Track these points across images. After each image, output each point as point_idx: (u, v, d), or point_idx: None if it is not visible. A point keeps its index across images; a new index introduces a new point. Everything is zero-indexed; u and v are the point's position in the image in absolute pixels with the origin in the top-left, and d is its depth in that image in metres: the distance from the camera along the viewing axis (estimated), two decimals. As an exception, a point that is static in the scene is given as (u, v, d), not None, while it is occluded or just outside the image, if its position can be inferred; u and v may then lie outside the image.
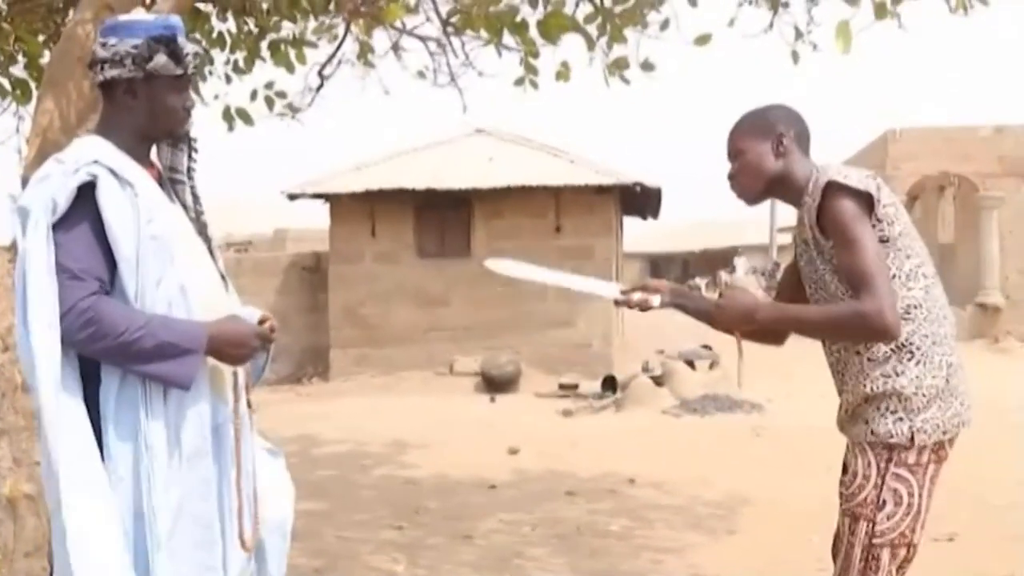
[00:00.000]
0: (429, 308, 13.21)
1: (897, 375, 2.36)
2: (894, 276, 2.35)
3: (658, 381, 11.25)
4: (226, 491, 2.19)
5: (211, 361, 2.15)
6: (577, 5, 5.71)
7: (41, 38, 6.55)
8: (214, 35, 7.25)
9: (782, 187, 2.47)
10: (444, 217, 13.08)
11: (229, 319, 2.18)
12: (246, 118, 6.80)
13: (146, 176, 2.18)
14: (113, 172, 2.08)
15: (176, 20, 2.22)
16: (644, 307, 2.52)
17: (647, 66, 5.87)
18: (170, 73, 2.15)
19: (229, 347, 2.14)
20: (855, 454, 2.41)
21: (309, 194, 13.02)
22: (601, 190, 13.06)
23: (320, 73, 7.19)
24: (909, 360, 2.36)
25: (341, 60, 7.27)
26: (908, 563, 2.40)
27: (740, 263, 33.49)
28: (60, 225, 2.02)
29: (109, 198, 2.05)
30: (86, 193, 2.04)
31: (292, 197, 13.10)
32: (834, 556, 2.51)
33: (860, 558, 2.37)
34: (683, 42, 5.74)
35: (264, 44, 7.19)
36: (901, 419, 2.36)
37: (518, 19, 5.59)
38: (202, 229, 2.29)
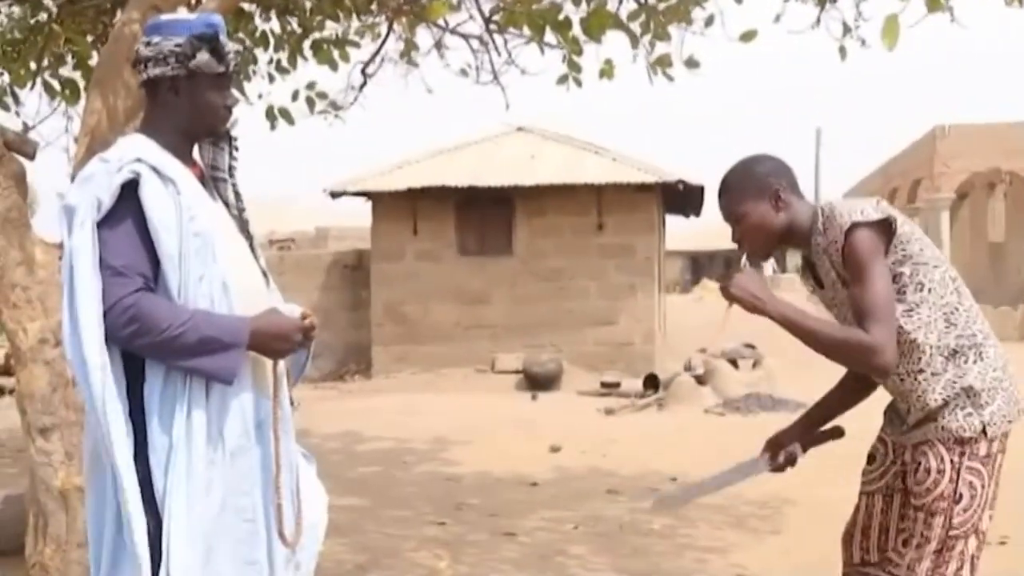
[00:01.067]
0: (470, 306, 13.24)
1: (962, 376, 2.44)
2: (927, 288, 2.43)
3: (700, 380, 11.17)
4: (269, 487, 2.21)
5: (253, 355, 2.16)
6: (621, 2, 5.69)
7: (90, 39, 6.66)
8: (257, 34, 7.35)
9: (789, 237, 2.51)
10: (485, 215, 13.10)
11: (270, 313, 2.19)
12: (288, 117, 6.86)
13: (188, 174, 2.20)
14: (155, 170, 2.10)
15: (218, 19, 2.24)
16: (793, 465, 2.72)
17: (691, 63, 5.83)
18: (212, 71, 2.18)
19: (272, 340, 2.15)
20: (922, 451, 2.45)
21: (351, 192, 13.11)
22: (643, 188, 13.00)
23: (363, 71, 7.23)
24: (966, 362, 2.45)
25: (384, 58, 7.32)
26: (980, 550, 2.46)
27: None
28: (104, 223, 2.05)
29: (152, 195, 2.07)
30: (129, 191, 2.07)
31: (335, 195, 13.20)
32: (846, 544, 2.67)
33: (934, 550, 2.41)
34: (728, 39, 5.70)
35: (307, 43, 7.27)
36: (971, 414, 2.43)
37: (561, 17, 5.58)
38: (244, 227, 2.31)
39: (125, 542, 2.04)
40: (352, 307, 14.04)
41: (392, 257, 13.33)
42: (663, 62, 5.52)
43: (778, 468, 2.70)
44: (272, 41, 7.27)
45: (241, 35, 7.40)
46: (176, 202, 2.09)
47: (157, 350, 2.04)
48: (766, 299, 2.40)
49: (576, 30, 5.58)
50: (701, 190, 13.97)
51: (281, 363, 2.36)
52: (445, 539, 5.38)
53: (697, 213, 16.35)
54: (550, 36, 5.60)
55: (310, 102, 7.51)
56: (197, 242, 2.10)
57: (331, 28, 7.46)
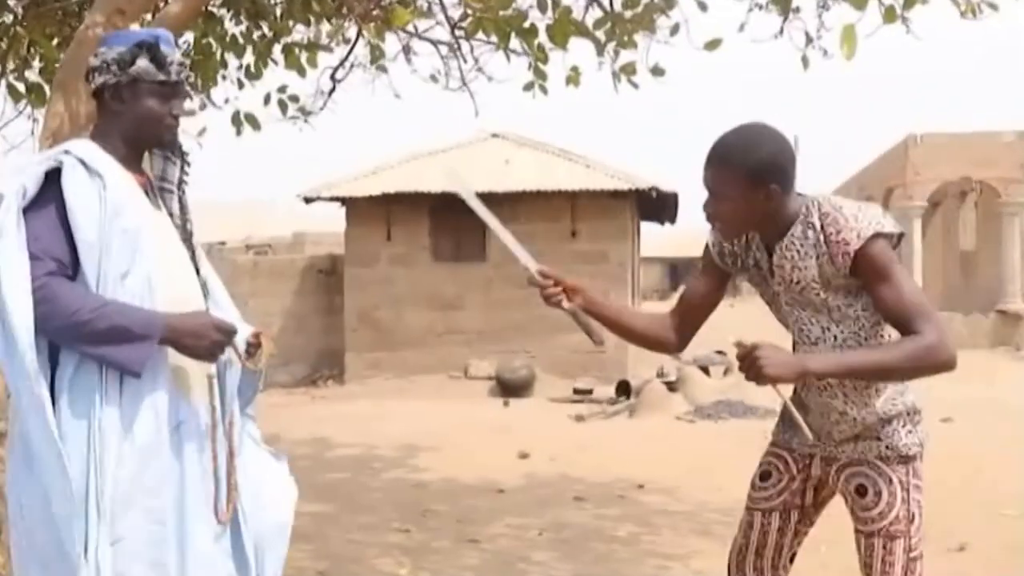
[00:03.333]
0: (444, 311, 13.23)
1: (903, 394, 2.42)
2: None
3: (672, 387, 11.21)
4: (189, 492, 2.19)
5: (176, 356, 2.16)
6: (587, 10, 5.71)
7: (56, 42, 6.62)
8: (227, 39, 7.33)
9: (764, 225, 2.36)
10: (459, 221, 13.01)
11: (188, 312, 2.19)
12: (254, 123, 6.84)
13: (128, 178, 2.22)
14: (83, 162, 2.14)
15: (164, 32, 2.30)
16: (551, 302, 2.45)
17: (657, 71, 5.86)
18: (153, 78, 2.21)
19: (187, 337, 2.14)
20: (864, 473, 2.40)
21: (325, 197, 13.08)
22: (617, 195, 13.04)
23: (332, 77, 7.22)
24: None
25: (353, 64, 7.32)
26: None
27: None
28: (28, 210, 2.09)
29: (73, 183, 2.10)
30: (53, 179, 2.11)
31: (308, 200, 13.17)
32: (739, 565, 2.56)
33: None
34: (693, 47, 5.74)
35: (277, 48, 7.25)
36: (911, 431, 2.41)
37: (527, 24, 5.60)
38: (187, 237, 2.32)
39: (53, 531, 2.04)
40: (326, 312, 14.00)
41: (366, 262, 13.30)
42: (628, 70, 5.55)
43: (536, 284, 2.47)
44: (242, 44, 7.26)
45: (210, 39, 7.41)
46: (100, 195, 2.11)
47: (66, 335, 2.05)
48: (805, 364, 2.21)
49: (542, 37, 5.60)
50: (675, 197, 14.03)
51: (229, 375, 2.35)
52: (408, 546, 5.37)
53: (672, 220, 16.41)
54: (516, 43, 5.61)
55: (282, 105, 7.49)
56: (124, 239, 2.11)
57: (301, 33, 7.48)
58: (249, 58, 7.11)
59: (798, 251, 2.32)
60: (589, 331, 2.48)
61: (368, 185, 12.86)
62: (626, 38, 5.41)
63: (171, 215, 2.31)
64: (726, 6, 5.76)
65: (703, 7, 5.78)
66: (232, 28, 7.30)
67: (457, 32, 6.00)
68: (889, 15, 4.34)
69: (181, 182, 2.34)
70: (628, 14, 5.56)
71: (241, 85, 7.51)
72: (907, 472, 2.38)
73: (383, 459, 8.24)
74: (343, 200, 13.25)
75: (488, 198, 12.54)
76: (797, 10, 5.55)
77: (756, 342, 2.20)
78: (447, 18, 5.97)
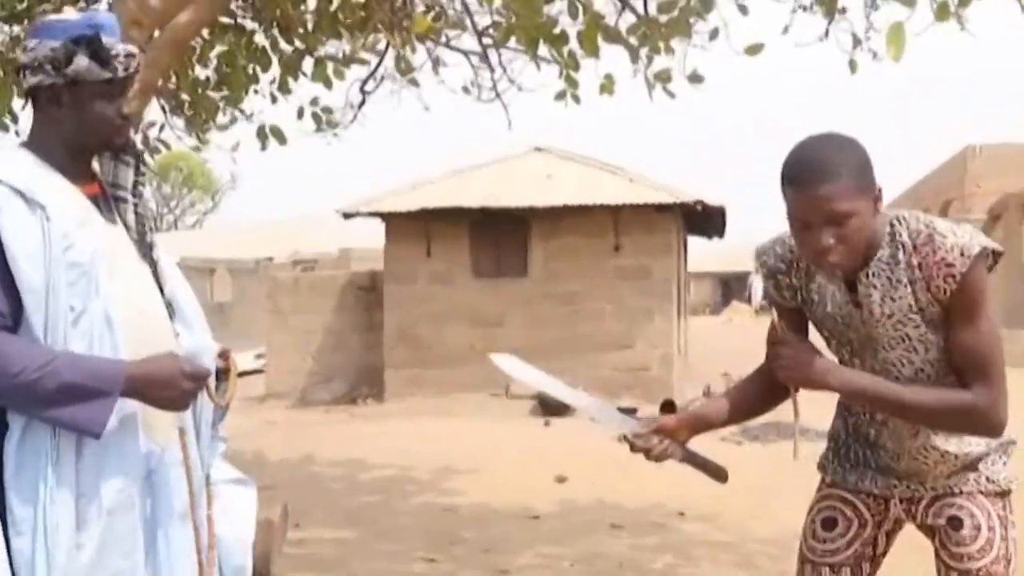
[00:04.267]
0: (484, 329, 12.99)
1: None
2: None
3: (718, 407, 10.82)
4: (162, 542, 1.97)
5: (138, 406, 1.92)
6: (620, 15, 5.46)
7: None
8: (256, 52, 7.20)
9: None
10: (500, 236, 12.87)
11: (155, 357, 1.91)
12: (280, 137, 6.70)
13: (72, 194, 1.95)
14: (20, 193, 1.85)
15: (105, 17, 1.99)
16: (661, 459, 2.20)
17: (695, 78, 5.59)
18: (96, 78, 1.92)
19: (153, 389, 1.88)
20: (959, 505, 2.12)
21: (364, 213, 12.94)
22: (661, 208, 12.72)
23: (362, 89, 7.06)
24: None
25: (384, 76, 7.14)
26: None
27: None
28: None
29: (12, 223, 1.81)
30: None
31: (347, 216, 13.04)
32: None
33: None
34: (734, 52, 5.46)
35: (307, 61, 7.11)
36: (1007, 464, 2.16)
37: (557, 31, 5.37)
38: (147, 252, 2.07)
39: None
40: (366, 329, 13.84)
41: (405, 279, 13.13)
42: (662, 77, 5.29)
43: (641, 449, 2.19)
44: (274, 60, 7.14)
45: (238, 53, 7.29)
46: (44, 230, 1.83)
47: (11, 398, 1.79)
48: (826, 375, 1.99)
49: (573, 44, 5.36)
50: (722, 210, 13.66)
51: (204, 414, 2.14)
52: (433, 576, 5.13)
53: (720, 235, 16.02)
54: (545, 51, 5.37)
55: (316, 118, 7.36)
56: (73, 273, 1.84)
57: (334, 46, 7.33)
58: (276, 70, 6.98)
59: (888, 277, 2.00)
60: (708, 471, 2.26)
61: (407, 201, 12.70)
62: (660, 43, 5.15)
63: (127, 227, 2.06)
64: (768, 8, 5.47)
65: (744, 10, 5.51)
66: (261, 40, 7.21)
67: (485, 41, 5.78)
68: (941, 12, 4.03)
69: (136, 187, 2.07)
70: (663, 18, 5.31)
71: (274, 99, 7.41)
72: (1004, 507, 2.13)
73: (417, 481, 8.00)
74: (382, 215, 13.09)
75: (530, 213, 12.23)
76: (844, 11, 5.26)
77: (789, 336, 1.98)
78: (473, 26, 5.75)
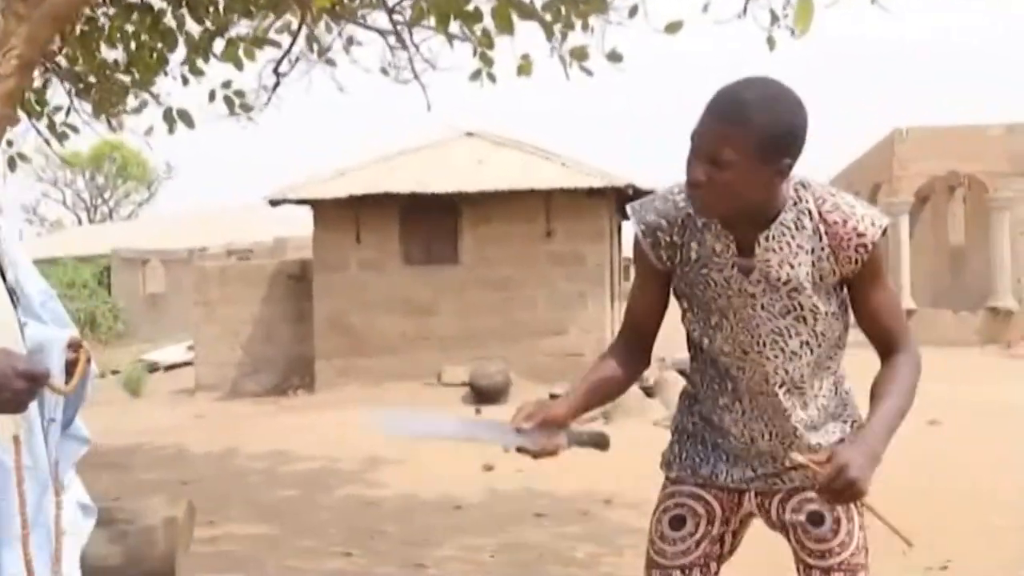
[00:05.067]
0: (416, 317, 12.81)
1: (851, 407, 2.10)
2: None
3: (649, 392, 10.82)
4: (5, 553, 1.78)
5: None
6: (535, -9, 5.31)
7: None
8: (165, 33, 6.92)
9: (752, 212, 1.89)
10: (431, 223, 12.68)
11: None
12: (188, 120, 6.45)
13: None
14: None
15: None
16: (553, 455, 1.98)
17: (614, 56, 5.48)
18: None
19: None
20: (812, 497, 1.98)
21: (292, 200, 12.66)
22: (593, 193, 12.64)
23: (275, 71, 6.83)
24: (848, 392, 2.14)
25: (298, 57, 6.92)
26: None
27: None
28: None
29: None
30: None
31: (274, 203, 12.75)
32: None
33: None
34: (653, 30, 5.35)
35: (218, 43, 6.85)
36: None
37: (470, 8, 5.20)
38: None
39: None
40: (296, 319, 13.56)
41: (335, 267, 12.88)
42: (578, 54, 5.15)
43: (531, 453, 1.96)
44: (181, 40, 6.87)
45: (148, 35, 7.01)
46: None
47: None
48: (876, 449, 1.84)
49: (488, 22, 5.21)
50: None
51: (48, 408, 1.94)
52: (348, 571, 4.96)
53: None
54: (458, 28, 5.21)
55: (229, 102, 7.10)
56: None
57: (245, 26, 7.08)
58: (182, 51, 6.72)
59: (789, 243, 1.90)
60: (594, 444, 2.07)
61: (335, 187, 12.44)
62: (576, 20, 5.02)
63: None
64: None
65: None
66: (170, 21, 6.93)
67: (396, 17, 5.59)
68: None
69: None
70: (579, -5, 5.17)
71: (185, 81, 7.13)
72: None
73: (341, 474, 7.82)
74: (311, 203, 12.81)
75: (461, 199, 11.98)
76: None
77: (840, 457, 1.78)
78: (385, 3, 5.56)
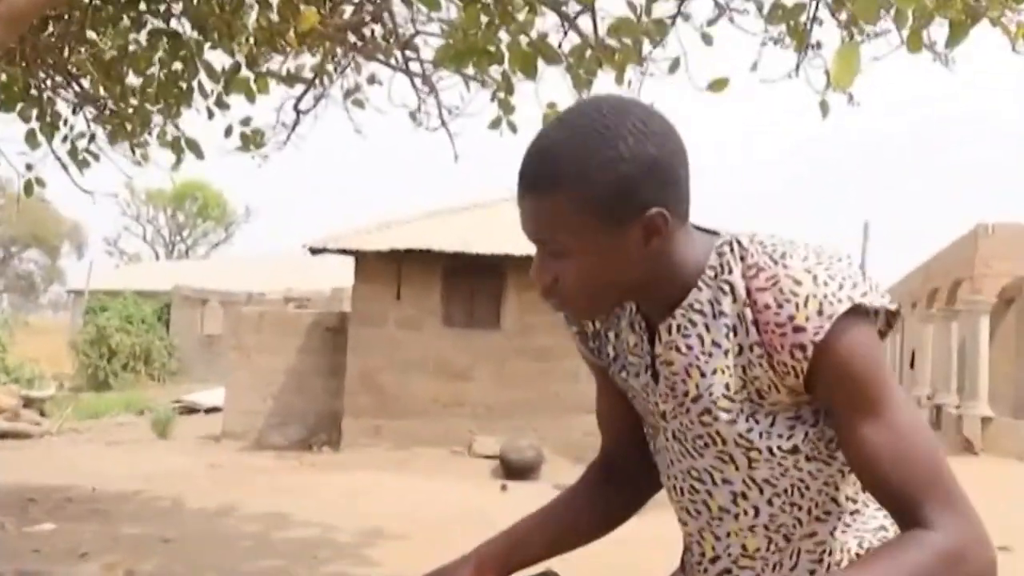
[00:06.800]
0: (451, 381, 12.24)
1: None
2: None
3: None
4: None
5: None
6: (565, 35, 4.80)
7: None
8: (195, 63, 6.62)
9: (644, 290, 1.28)
10: (474, 285, 12.18)
11: None
12: (197, 150, 6.08)
13: None
14: None
15: None
16: None
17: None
18: None
19: None
20: None
21: (332, 249, 12.27)
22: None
23: (296, 107, 6.43)
24: (855, 515, 1.34)
25: (324, 96, 6.52)
26: None
27: None
28: None
29: None
30: None
31: (314, 251, 12.38)
32: None
33: None
34: (696, 88, 4.79)
35: (246, 76, 6.51)
36: None
37: (492, 48, 4.71)
38: None
39: None
40: (329, 373, 13.10)
41: (372, 322, 12.41)
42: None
43: None
44: (201, 72, 6.56)
45: (178, 64, 6.72)
46: None
47: None
48: None
49: (507, 65, 4.70)
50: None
51: None
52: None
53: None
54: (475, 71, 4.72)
55: (244, 139, 6.74)
56: None
57: (276, 62, 6.75)
58: (207, 82, 6.38)
59: (701, 337, 1.26)
60: None
61: (377, 240, 12.03)
62: (605, 65, 4.48)
63: None
64: (733, 39, 4.81)
65: (708, 41, 4.85)
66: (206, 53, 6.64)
67: (406, 53, 5.13)
68: (914, 42, 3.34)
69: None
70: (612, 42, 4.64)
71: (211, 114, 6.81)
72: None
73: (334, 545, 7.21)
74: (354, 254, 12.42)
75: (506, 261, 11.33)
76: (818, 45, 4.59)
77: None
78: (396, 38, 5.10)
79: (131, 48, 6.82)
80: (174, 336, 27.80)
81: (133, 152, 7.30)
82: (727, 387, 1.25)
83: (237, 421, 13.31)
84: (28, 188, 7.22)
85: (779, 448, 1.26)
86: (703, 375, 1.26)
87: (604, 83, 4.64)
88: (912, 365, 23.30)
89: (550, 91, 5.51)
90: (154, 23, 6.54)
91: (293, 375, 13.21)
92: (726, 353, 1.24)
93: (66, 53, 6.84)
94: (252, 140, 6.24)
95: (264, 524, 7.78)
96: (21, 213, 44.91)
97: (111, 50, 6.90)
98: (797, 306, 1.17)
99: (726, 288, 1.23)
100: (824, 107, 4.45)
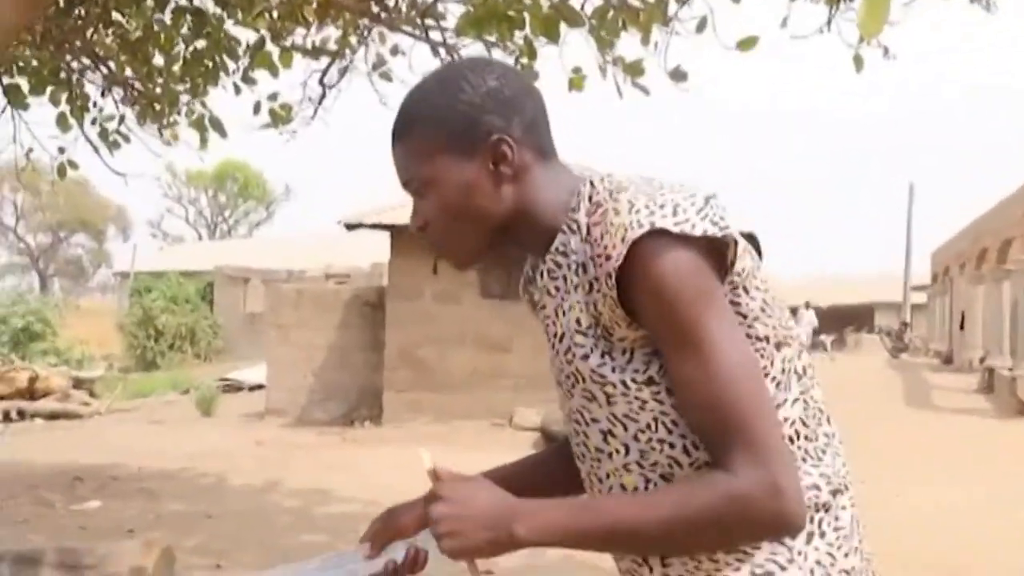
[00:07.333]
0: (491, 353, 12.22)
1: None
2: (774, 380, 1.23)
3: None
4: None
5: None
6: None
7: None
8: (224, 40, 6.60)
9: (516, 230, 1.31)
10: (511, 255, 12.10)
11: None
12: (220, 129, 6.06)
13: None
14: None
15: None
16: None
17: (678, 75, 4.80)
18: None
19: None
20: None
21: (368, 224, 12.27)
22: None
23: (321, 82, 6.38)
24: (821, 531, 1.25)
25: (349, 68, 6.46)
26: None
27: (805, 316, 27.59)
28: None
29: None
30: None
31: (350, 227, 12.39)
32: None
33: None
34: (723, 47, 4.66)
35: (273, 50, 6.48)
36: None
37: (511, 13, 4.61)
38: None
39: None
40: (370, 348, 13.14)
41: (410, 296, 12.42)
42: (632, 70, 4.49)
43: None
44: (240, 49, 6.54)
45: (203, 42, 6.70)
46: None
47: None
48: (512, 526, 1.19)
49: (529, 29, 4.61)
50: (753, 237, 12.74)
51: None
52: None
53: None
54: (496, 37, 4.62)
55: (273, 115, 6.72)
56: None
57: (299, 35, 6.70)
58: (242, 62, 6.36)
59: (564, 277, 1.28)
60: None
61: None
62: (629, 27, 4.36)
63: None
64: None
65: (736, -2, 4.71)
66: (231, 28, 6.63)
67: (425, 21, 5.04)
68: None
69: None
70: (636, 2, 4.52)
71: (238, 90, 6.80)
72: None
73: (375, 520, 7.24)
74: (390, 228, 12.40)
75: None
76: (850, -2, 4.43)
77: (444, 481, 1.28)
78: (417, 9, 5.02)
79: (155, 28, 6.82)
80: (218, 315, 28.14)
81: (160, 133, 7.31)
82: (579, 322, 1.25)
83: (280, 398, 13.43)
84: (61, 171, 7.27)
85: (633, 381, 1.22)
86: (563, 314, 1.28)
87: (628, 45, 4.53)
88: (962, 327, 22.85)
89: (573, 55, 5.47)
90: (178, 1, 6.52)
91: (334, 351, 13.28)
92: (576, 289, 1.25)
93: (92, 35, 6.86)
94: (280, 116, 6.19)
95: (306, 500, 7.84)
96: (67, 198, 45.62)
97: (136, 31, 6.90)
98: (611, 236, 1.18)
99: (574, 227, 1.25)
100: (859, 61, 4.30)
